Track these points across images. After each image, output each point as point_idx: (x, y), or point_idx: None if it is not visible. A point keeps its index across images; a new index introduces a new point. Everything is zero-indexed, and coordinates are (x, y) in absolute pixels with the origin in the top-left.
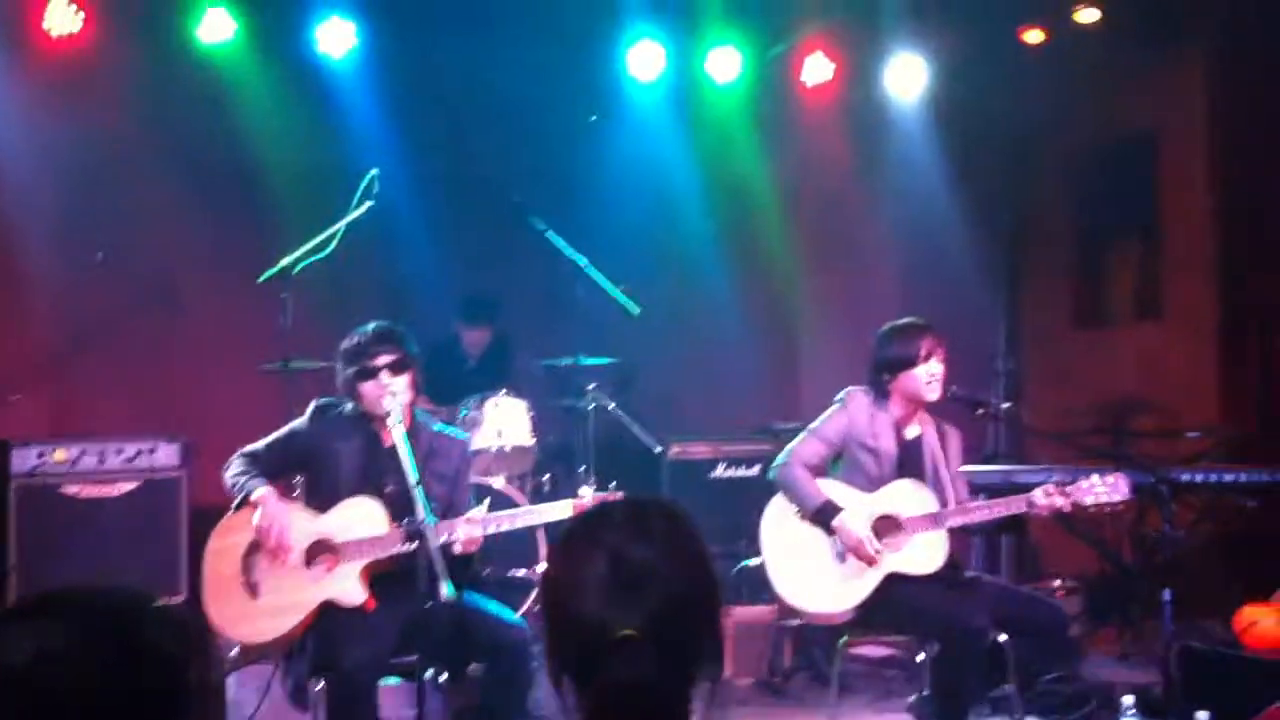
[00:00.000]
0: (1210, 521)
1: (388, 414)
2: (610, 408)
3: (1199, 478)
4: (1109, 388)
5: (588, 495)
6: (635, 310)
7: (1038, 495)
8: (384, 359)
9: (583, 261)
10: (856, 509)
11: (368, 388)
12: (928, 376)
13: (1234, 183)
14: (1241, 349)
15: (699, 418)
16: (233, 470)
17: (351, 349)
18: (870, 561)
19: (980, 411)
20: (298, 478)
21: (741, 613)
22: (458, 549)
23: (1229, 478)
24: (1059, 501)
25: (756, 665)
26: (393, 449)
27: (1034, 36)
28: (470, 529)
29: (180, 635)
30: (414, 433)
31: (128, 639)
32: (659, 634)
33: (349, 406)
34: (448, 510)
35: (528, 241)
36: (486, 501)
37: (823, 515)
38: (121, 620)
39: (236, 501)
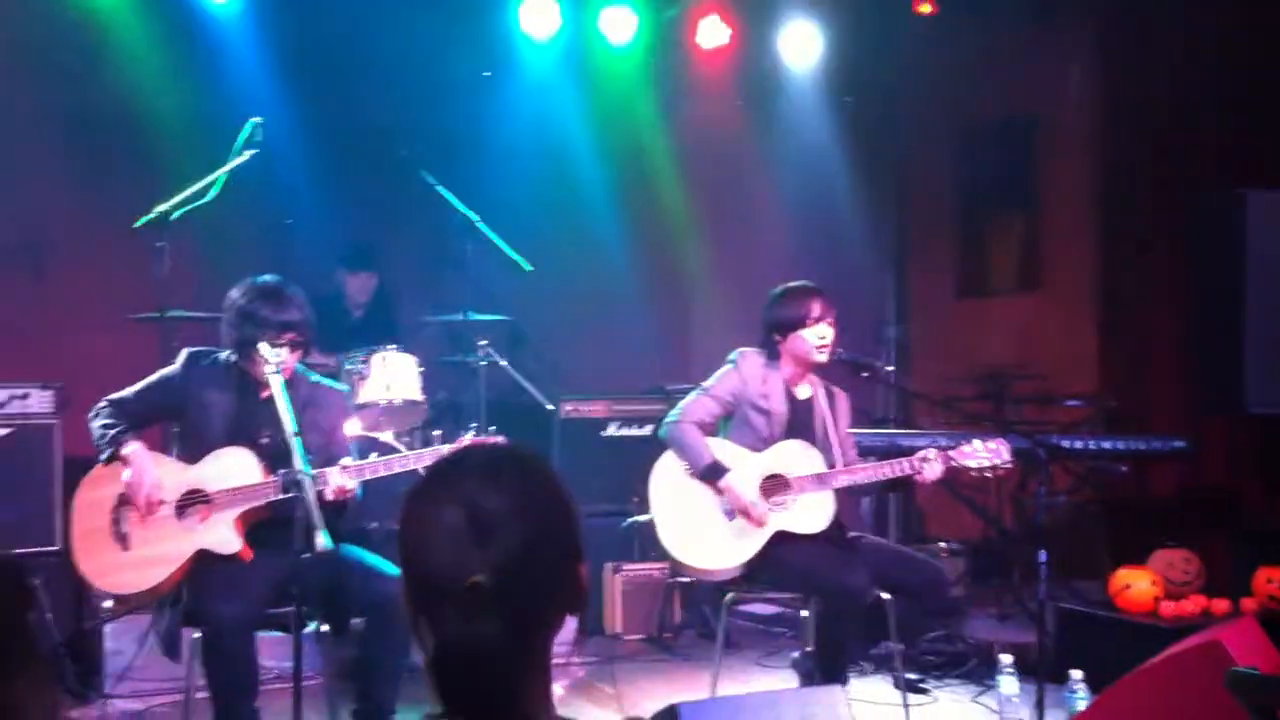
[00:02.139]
0: (1087, 488)
1: (266, 364)
2: (502, 364)
3: (1077, 444)
4: (990, 357)
5: (469, 440)
6: (527, 266)
7: (921, 459)
8: (288, 335)
9: (474, 217)
10: (745, 468)
11: (261, 352)
12: (817, 339)
13: (1114, 159)
14: (1116, 321)
15: (591, 376)
16: (100, 420)
17: (249, 310)
18: (758, 523)
19: (864, 374)
20: (175, 427)
21: (632, 570)
22: (329, 495)
23: (1106, 445)
24: (939, 468)
25: (646, 622)
26: (268, 400)
27: (925, 8)
28: (344, 476)
29: (4, 579)
30: (292, 384)
31: None
32: (509, 583)
33: (223, 355)
34: (325, 462)
35: (417, 195)
36: (373, 456)
37: (711, 475)
38: None
39: (105, 454)
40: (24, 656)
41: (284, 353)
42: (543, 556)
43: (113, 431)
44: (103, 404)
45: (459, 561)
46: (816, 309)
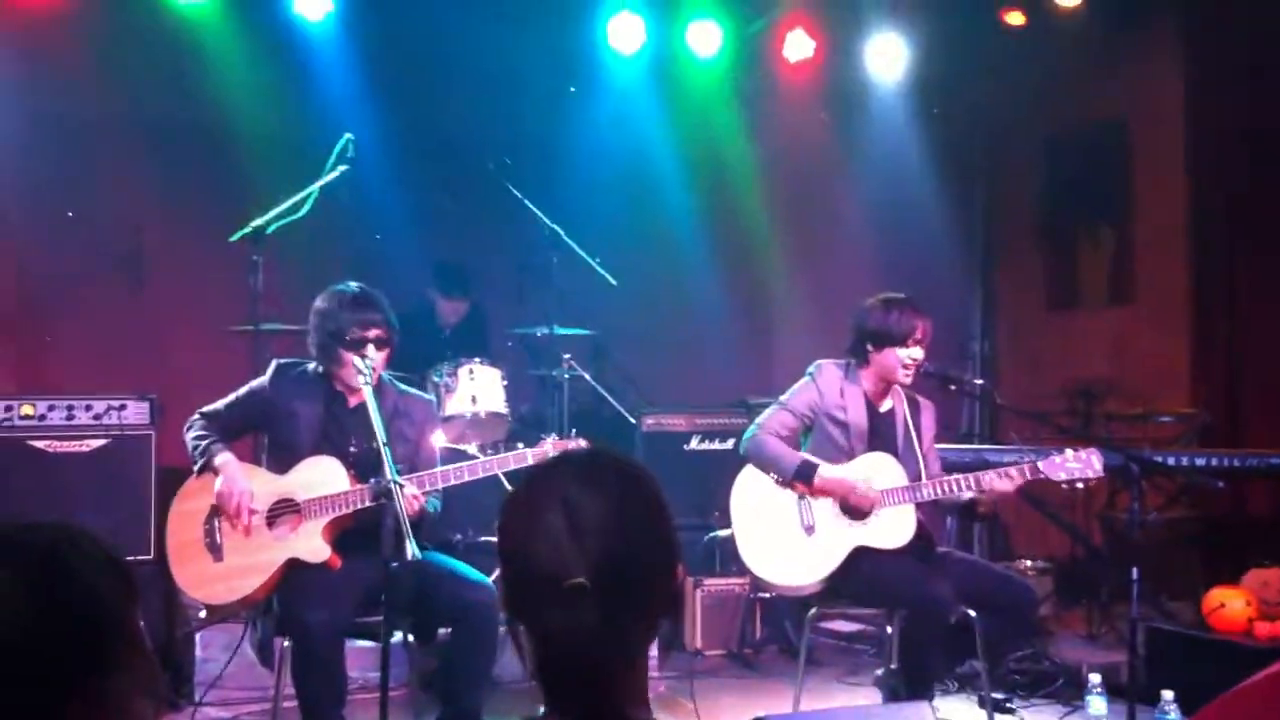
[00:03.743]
0: (1180, 505)
1: (359, 374)
2: (585, 378)
3: (1170, 460)
4: (1081, 371)
5: (550, 444)
6: (613, 281)
7: (1009, 470)
8: (373, 332)
9: (559, 231)
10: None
11: (350, 358)
12: (908, 359)
13: (1207, 168)
14: (1212, 334)
15: (674, 390)
16: (193, 432)
17: (334, 313)
18: (865, 502)
19: (953, 388)
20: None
21: (712, 584)
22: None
23: (1200, 461)
24: (1016, 480)
25: (726, 637)
26: (356, 409)
27: (1014, 19)
28: (412, 487)
29: (114, 575)
30: (380, 393)
31: (56, 577)
32: (608, 584)
33: (311, 366)
34: (410, 471)
35: (503, 209)
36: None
37: (803, 473)
38: (50, 556)
39: (198, 466)
40: (128, 653)
41: (370, 351)
42: (640, 556)
43: (205, 443)
44: (195, 416)
45: (560, 562)
46: (919, 331)
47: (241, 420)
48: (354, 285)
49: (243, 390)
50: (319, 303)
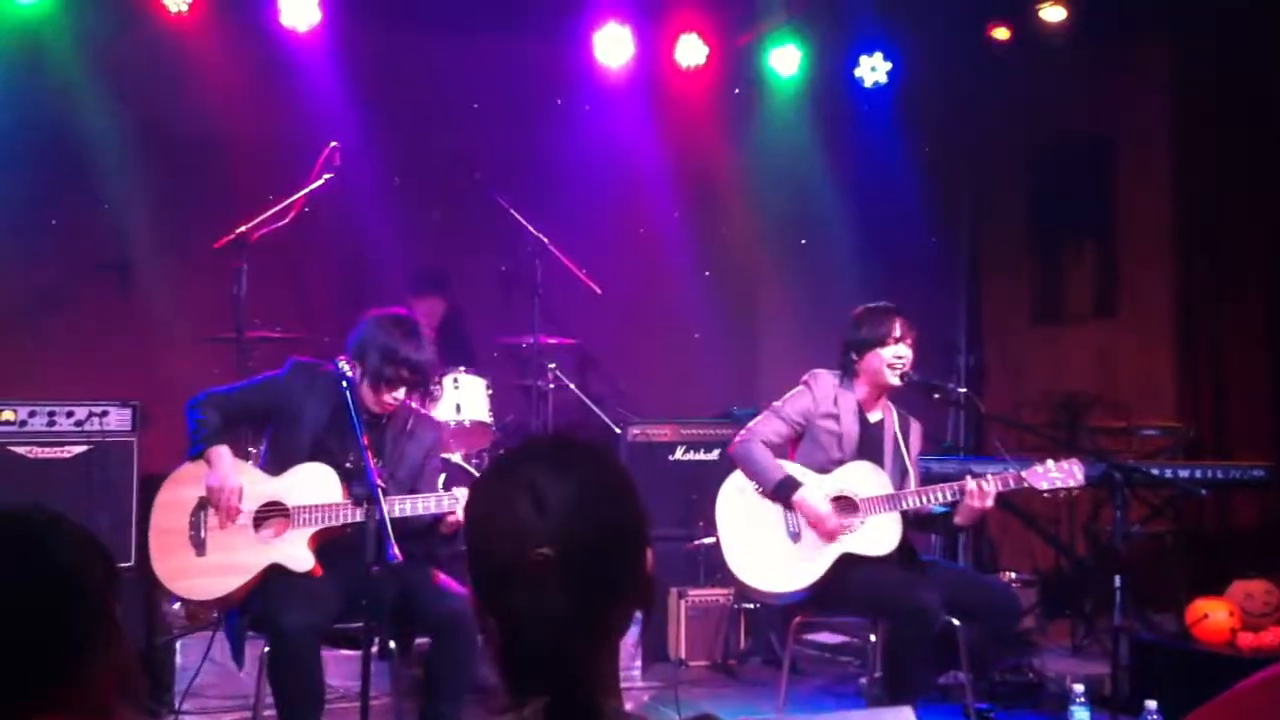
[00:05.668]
0: (1164, 518)
1: (341, 380)
2: (570, 388)
3: (1153, 471)
4: (1065, 384)
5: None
6: (597, 290)
7: (988, 478)
8: (412, 378)
9: (545, 240)
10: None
11: (380, 389)
12: (892, 358)
13: (1191, 183)
14: (1195, 348)
15: (659, 400)
16: (199, 414)
17: (391, 346)
18: (831, 536)
19: (936, 396)
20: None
21: (697, 595)
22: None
23: (1184, 473)
24: (996, 487)
25: (711, 648)
26: (365, 423)
27: (1000, 34)
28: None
29: (93, 555)
30: (395, 413)
31: (34, 555)
32: (576, 564)
33: (331, 370)
34: (411, 490)
35: (488, 219)
36: (442, 477)
37: (782, 490)
38: (28, 536)
39: (191, 452)
40: (106, 635)
41: (400, 391)
42: (608, 538)
43: (207, 429)
44: (202, 396)
45: (524, 537)
46: (897, 329)
47: (247, 409)
48: (408, 318)
49: (256, 379)
50: (376, 330)
